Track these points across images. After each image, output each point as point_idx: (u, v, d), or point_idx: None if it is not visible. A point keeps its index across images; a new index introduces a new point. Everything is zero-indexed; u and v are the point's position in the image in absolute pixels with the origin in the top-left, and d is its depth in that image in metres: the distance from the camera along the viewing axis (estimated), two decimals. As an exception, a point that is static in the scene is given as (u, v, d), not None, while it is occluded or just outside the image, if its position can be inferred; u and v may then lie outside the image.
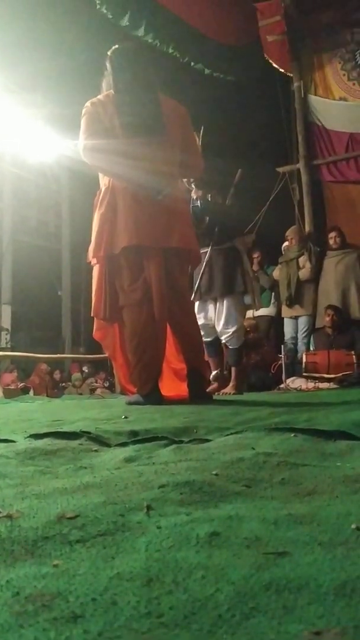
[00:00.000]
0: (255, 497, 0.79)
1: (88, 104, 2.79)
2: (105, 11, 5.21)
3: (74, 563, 0.54)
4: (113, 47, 2.90)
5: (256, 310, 4.22)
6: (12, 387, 8.19)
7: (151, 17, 5.54)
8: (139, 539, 0.59)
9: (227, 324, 4.11)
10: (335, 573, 0.48)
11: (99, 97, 2.83)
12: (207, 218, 4.16)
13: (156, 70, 2.98)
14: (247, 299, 4.25)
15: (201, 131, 4.26)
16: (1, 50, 6.79)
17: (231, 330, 4.10)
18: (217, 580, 0.47)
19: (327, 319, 5.52)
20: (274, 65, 7.08)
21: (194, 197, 4.12)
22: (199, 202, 4.12)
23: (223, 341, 4.20)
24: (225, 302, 4.13)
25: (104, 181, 2.86)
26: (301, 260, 5.99)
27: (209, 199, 4.19)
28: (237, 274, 4.13)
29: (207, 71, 6.39)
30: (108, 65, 2.88)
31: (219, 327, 4.15)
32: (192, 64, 6.17)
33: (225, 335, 4.14)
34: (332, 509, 0.69)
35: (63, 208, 13.30)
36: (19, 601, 0.45)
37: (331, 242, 6.03)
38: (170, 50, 5.88)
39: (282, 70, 7.08)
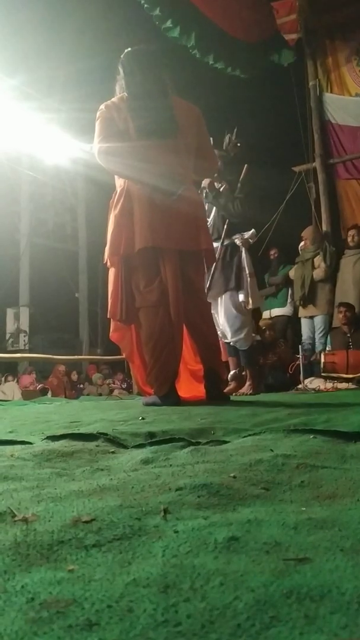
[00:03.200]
0: (275, 500, 0.77)
1: (102, 107, 2.80)
2: (148, 5, 5.40)
3: (90, 568, 0.53)
4: (125, 51, 2.90)
5: (250, 306, 4.04)
6: (31, 389, 8.28)
7: (183, 17, 5.66)
8: (156, 544, 0.58)
9: (227, 322, 4.07)
10: (358, 581, 0.46)
11: (113, 99, 2.84)
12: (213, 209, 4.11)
13: (169, 72, 2.97)
14: (241, 296, 4.10)
15: (234, 131, 4.20)
16: (20, 56, 6.89)
17: (233, 329, 4.04)
18: (236, 587, 0.46)
19: (340, 316, 5.47)
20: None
21: (203, 185, 4.06)
22: (205, 190, 4.07)
23: (231, 342, 4.14)
24: (223, 299, 4.09)
25: (119, 182, 2.86)
26: (316, 260, 5.94)
27: (220, 190, 4.12)
28: (232, 270, 4.07)
29: (228, 69, 6.39)
30: (120, 69, 2.88)
31: (221, 326, 4.10)
32: (214, 62, 6.18)
33: (230, 336, 4.09)
34: (353, 513, 0.67)
35: (79, 210, 13.39)
36: (34, 607, 0.44)
37: (349, 239, 5.97)
38: (198, 53, 5.94)
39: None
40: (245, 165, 4.26)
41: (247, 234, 4.14)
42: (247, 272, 4.06)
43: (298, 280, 5.98)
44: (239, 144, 4.22)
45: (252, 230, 4.20)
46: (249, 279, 4.05)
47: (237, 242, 4.10)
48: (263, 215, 4.16)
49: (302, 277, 5.91)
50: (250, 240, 4.16)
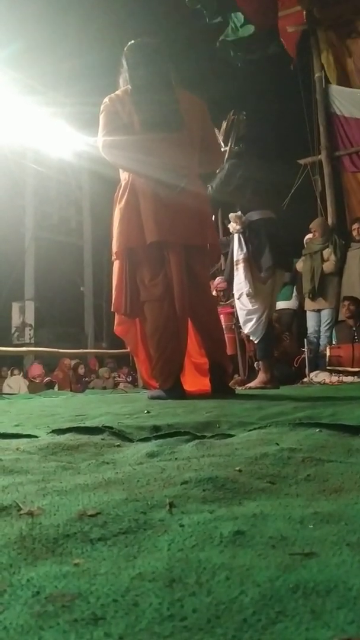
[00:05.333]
0: (280, 494, 0.77)
1: (106, 100, 2.79)
2: None
3: (95, 562, 0.53)
4: (129, 43, 2.89)
5: (239, 297, 3.91)
6: (37, 382, 8.30)
7: None
8: (161, 538, 0.58)
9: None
10: (365, 575, 0.46)
11: (117, 92, 2.82)
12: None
13: (173, 65, 2.95)
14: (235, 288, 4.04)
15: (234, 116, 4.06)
16: (24, 50, 6.87)
17: (242, 323, 4.01)
18: (242, 581, 0.46)
19: (344, 309, 5.46)
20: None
21: None
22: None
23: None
24: None
25: (123, 176, 2.85)
26: (325, 253, 5.90)
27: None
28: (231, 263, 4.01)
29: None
30: (123, 61, 2.87)
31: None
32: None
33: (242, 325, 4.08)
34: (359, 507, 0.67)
35: (84, 204, 13.38)
36: (40, 601, 0.44)
37: (354, 233, 5.94)
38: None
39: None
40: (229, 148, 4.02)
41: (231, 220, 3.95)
42: (235, 260, 3.94)
43: (307, 274, 5.93)
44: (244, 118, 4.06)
45: (239, 214, 3.90)
46: (234, 267, 3.92)
47: (231, 230, 3.99)
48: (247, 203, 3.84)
49: (311, 270, 5.87)
50: (236, 225, 3.85)
